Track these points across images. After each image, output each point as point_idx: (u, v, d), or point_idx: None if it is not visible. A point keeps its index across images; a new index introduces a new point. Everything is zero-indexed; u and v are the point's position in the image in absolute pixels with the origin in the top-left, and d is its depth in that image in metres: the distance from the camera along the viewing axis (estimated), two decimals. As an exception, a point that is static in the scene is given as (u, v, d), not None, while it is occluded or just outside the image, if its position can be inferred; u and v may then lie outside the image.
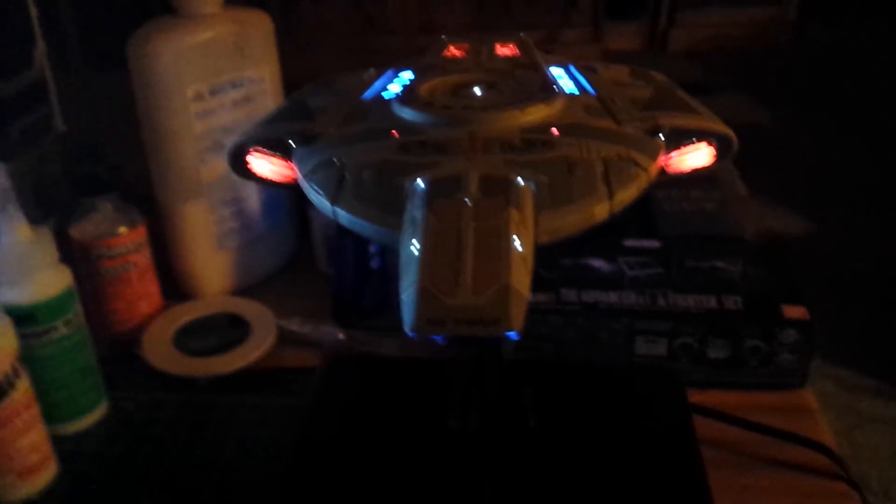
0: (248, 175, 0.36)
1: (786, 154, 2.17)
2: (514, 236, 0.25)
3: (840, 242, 1.81)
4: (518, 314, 0.24)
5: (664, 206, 0.70)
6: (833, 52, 2.74)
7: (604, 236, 0.62)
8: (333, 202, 0.29)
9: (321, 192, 0.30)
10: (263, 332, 0.62)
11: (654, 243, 0.64)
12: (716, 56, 2.69)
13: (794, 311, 0.55)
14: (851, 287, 1.64)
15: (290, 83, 0.68)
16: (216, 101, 0.63)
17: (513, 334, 0.24)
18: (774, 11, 2.78)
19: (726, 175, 0.73)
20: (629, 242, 0.63)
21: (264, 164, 0.35)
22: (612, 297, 0.57)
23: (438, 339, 0.25)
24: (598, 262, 0.61)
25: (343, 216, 0.29)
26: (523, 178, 0.28)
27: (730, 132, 0.33)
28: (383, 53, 2.42)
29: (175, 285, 0.68)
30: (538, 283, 0.59)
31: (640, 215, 0.69)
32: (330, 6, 2.50)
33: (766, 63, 2.70)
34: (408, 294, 0.24)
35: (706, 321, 0.55)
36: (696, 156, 0.34)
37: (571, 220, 0.28)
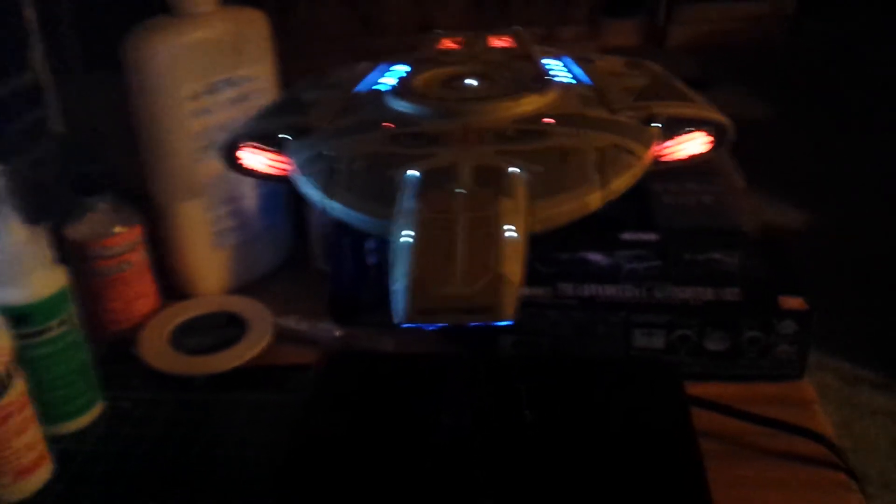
0: (241, 169, 0.36)
1: (783, 147, 2.17)
2: (507, 226, 0.25)
3: (837, 235, 1.81)
4: (510, 302, 0.24)
5: (662, 198, 0.70)
6: (830, 46, 2.74)
7: (601, 230, 0.62)
8: (326, 194, 0.29)
9: (314, 184, 0.30)
10: (260, 330, 0.62)
11: (651, 236, 0.63)
12: (713, 51, 2.69)
13: (792, 302, 0.55)
14: (850, 279, 1.64)
15: (287, 84, 0.68)
16: (212, 100, 0.63)
17: (505, 322, 0.24)
18: (772, 5, 2.78)
19: (723, 167, 0.73)
20: (626, 236, 0.63)
21: (257, 159, 0.35)
22: (610, 290, 0.57)
23: (430, 327, 0.25)
24: (595, 256, 0.61)
25: (335, 208, 0.29)
26: (517, 168, 0.28)
27: (725, 120, 0.33)
28: (380, 53, 2.40)
29: (172, 284, 0.68)
30: (535, 278, 0.59)
31: (638, 208, 0.69)
32: (326, 6, 2.50)
33: (764, 57, 2.70)
34: (400, 284, 0.24)
35: (704, 313, 0.55)
36: (692, 144, 0.34)
37: (565, 209, 0.28)
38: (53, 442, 0.51)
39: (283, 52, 0.69)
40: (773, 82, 2.57)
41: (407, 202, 0.27)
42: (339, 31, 2.53)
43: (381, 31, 2.53)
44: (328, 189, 0.29)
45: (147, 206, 0.65)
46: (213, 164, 0.65)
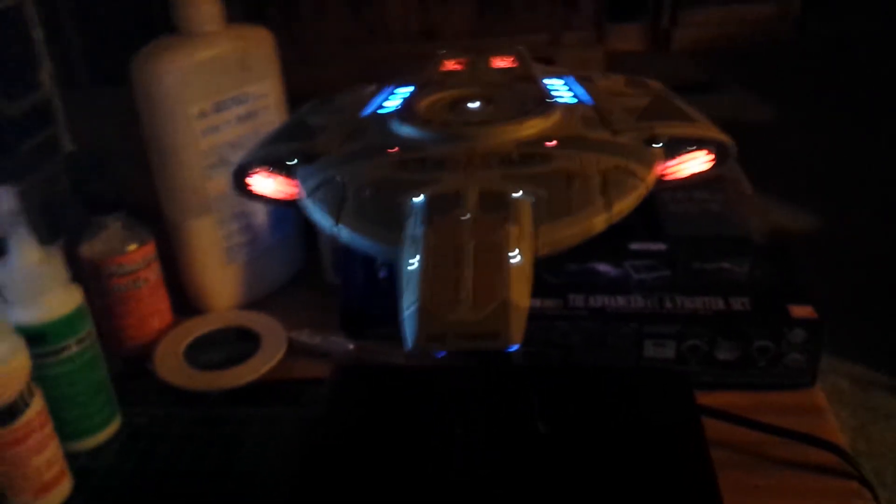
0: (252, 195, 0.36)
1: (791, 150, 2.16)
2: (513, 251, 0.26)
3: (848, 237, 1.80)
4: (518, 328, 0.24)
5: (669, 207, 0.70)
6: (836, 47, 2.73)
7: (609, 240, 0.62)
8: (335, 220, 0.29)
9: (323, 210, 0.30)
10: (274, 345, 0.63)
11: (660, 246, 0.63)
12: (719, 53, 2.68)
13: (801, 311, 0.55)
14: (862, 282, 1.63)
15: (293, 95, 0.69)
16: (221, 118, 0.64)
17: (513, 348, 0.25)
18: (777, 7, 2.77)
19: (731, 175, 0.73)
20: (635, 246, 0.63)
21: (267, 184, 0.35)
22: (620, 301, 0.57)
23: (439, 354, 0.25)
24: (604, 267, 0.61)
25: (345, 234, 0.29)
26: (522, 193, 0.28)
27: (727, 139, 0.34)
28: (385, 62, 2.42)
29: (185, 301, 0.68)
30: (545, 289, 0.59)
31: (646, 218, 0.69)
32: (330, 16, 2.51)
33: (770, 59, 2.69)
34: (409, 311, 0.25)
35: (714, 323, 0.55)
36: (694, 163, 0.34)
37: (570, 233, 0.28)
38: (71, 458, 0.52)
39: (289, 62, 0.69)
40: (780, 85, 2.56)
41: (414, 228, 0.27)
42: (344, 40, 2.54)
43: (385, 39, 2.53)
44: (338, 215, 0.30)
45: (159, 222, 0.66)
46: (223, 181, 0.65)
